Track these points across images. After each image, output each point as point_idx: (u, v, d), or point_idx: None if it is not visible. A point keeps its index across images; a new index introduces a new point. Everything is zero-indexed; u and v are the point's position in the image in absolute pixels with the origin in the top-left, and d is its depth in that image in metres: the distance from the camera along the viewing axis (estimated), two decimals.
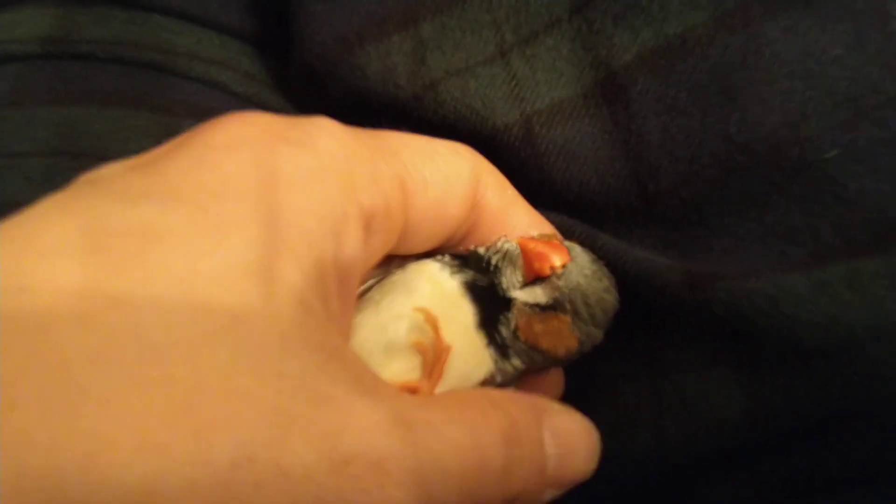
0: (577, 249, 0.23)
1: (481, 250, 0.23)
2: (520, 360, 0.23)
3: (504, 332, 0.23)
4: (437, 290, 0.22)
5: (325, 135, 0.20)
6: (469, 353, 0.22)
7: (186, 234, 0.16)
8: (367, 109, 0.28)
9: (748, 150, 0.22)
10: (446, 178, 0.22)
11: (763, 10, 0.22)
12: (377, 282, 0.23)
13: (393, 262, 0.24)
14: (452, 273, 0.23)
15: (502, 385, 0.23)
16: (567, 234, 0.25)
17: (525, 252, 0.23)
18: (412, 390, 0.21)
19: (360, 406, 0.17)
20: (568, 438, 0.21)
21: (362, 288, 0.23)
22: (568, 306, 0.23)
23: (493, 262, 0.23)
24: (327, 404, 0.16)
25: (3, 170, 0.28)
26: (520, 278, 0.23)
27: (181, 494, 0.14)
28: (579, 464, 0.21)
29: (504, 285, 0.23)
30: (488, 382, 0.23)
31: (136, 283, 0.15)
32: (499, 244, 0.23)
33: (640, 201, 0.24)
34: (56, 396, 0.14)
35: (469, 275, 0.23)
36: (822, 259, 0.21)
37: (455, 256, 0.23)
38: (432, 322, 0.22)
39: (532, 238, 0.23)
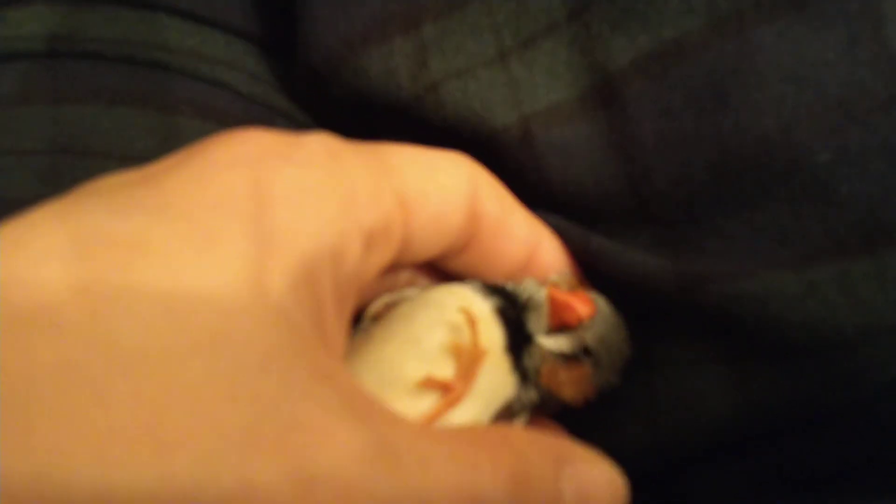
0: (600, 301, 0.24)
1: (509, 286, 0.24)
2: (537, 394, 0.23)
3: (527, 362, 0.23)
4: (469, 312, 0.23)
5: (324, 152, 0.20)
6: (498, 371, 0.23)
7: (174, 247, 0.16)
8: (369, 110, 0.28)
9: (740, 153, 0.23)
10: (445, 190, 0.22)
11: (757, 16, 0.23)
12: (392, 301, 0.24)
13: (400, 277, 0.25)
14: (485, 297, 0.23)
15: (520, 412, 0.24)
16: (563, 235, 0.25)
17: (552, 302, 0.23)
18: (446, 388, 0.21)
19: (339, 429, 0.16)
20: (591, 490, 0.19)
21: (375, 306, 0.24)
22: (591, 357, 0.23)
23: (522, 299, 0.24)
24: (302, 427, 0.16)
25: (8, 167, 0.28)
26: (545, 324, 0.23)
27: None
28: None
29: (529, 327, 0.23)
30: (510, 406, 0.23)
31: (116, 294, 0.15)
32: (527, 285, 0.24)
33: (634, 202, 0.24)
34: (14, 407, 0.14)
35: (500, 301, 0.23)
36: (812, 260, 0.22)
37: (485, 285, 0.24)
38: (473, 323, 0.22)
39: (558, 288, 0.24)
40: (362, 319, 0.24)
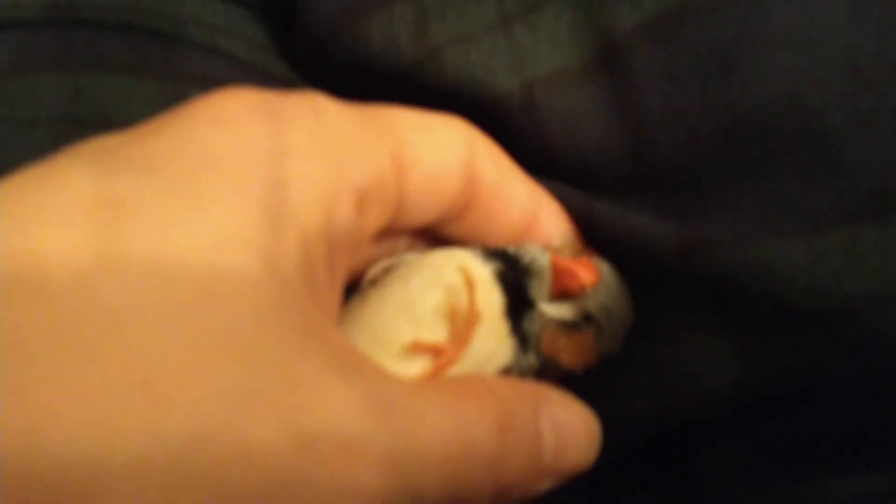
0: (604, 267, 0.24)
1: (511, 250, 0.23)
2: (536, 360, 0.23)
3: (527, 327, 0.23)
4: (468, 273, 0.22)
5: (315, 110, 0.19)
6: (494, 335, 0.22)
7: (161, 206, 0.16)
8: (370, 77, 0.28)
9: (748, 119, 0.22)
10: (441, 151, 0.22)
11: None
12: (390, 265, 0.23)
13: (399, 243, 0.25)
14: (485, 261, 0.23)
15: (519, 377, 0.23)
16: (564, 200, 0.25)
17: (556, 269, 0.23)
18: (437, 352, 0.21)
19: (333, 386, 0.16)
20: (567, 429, 0.20)
21: (373, 271, 0.23)
22: (593, 325, 0.23)
23: (523, 264, 0.23)
24: (297, 384, 0.16)
25: (7, 137, 0.28)
26: (547, 291, 0.23)
27: (131, 472, 0.14)
28: (578, 454, 0.21)
29: (531, 292, 0.23)
30: (509, 371, 0.23)
31: (102, 254, 0.15)
32: (529, 250, 0.24)
33: (639, 169, 0.24)
34: (3, 369, 0.14)
35: (500, 266, 0.23)
36: (820, 228, 0.21)
37: (485, 250, 0.23)
38: (470, 285, 0.22)
39: (561, 254, 0.23)
40: (360, 284, 0.23)
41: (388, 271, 0.23)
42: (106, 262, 0.15)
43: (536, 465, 0.20)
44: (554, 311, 0.23)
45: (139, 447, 0.14)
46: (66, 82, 0.29)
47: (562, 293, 0.23)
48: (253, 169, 0.17)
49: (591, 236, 0.25)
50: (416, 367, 0.21)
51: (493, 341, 0.22)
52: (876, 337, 0.21)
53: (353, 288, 0.23)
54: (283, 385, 0.15)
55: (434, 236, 0.24)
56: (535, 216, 0.24)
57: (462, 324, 0.22)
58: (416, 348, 0.21)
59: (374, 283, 0.23)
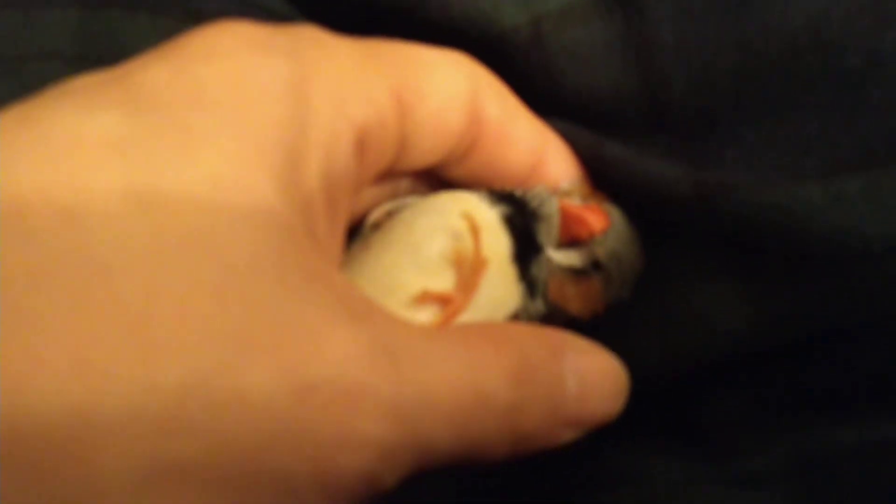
0: (614, 212, 0.23)
1: (518, 193, 0.23)
2: (543, 306, 0.23)
3: (535, 272, 0.22)
4: (472, 219, 0.22)
5: (310, 43, 0.19)
6: (502, 281, 0.22)
7: (150, 145, 0.15)
8: (373, 12, 0.27)
9: (766, 56, 0.22)
10: (444, 88, 0.21)
11: None
12: (393, 209, 0.23)
13: (401, 185, 0.24)
14: (491, 205, 0.22)
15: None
16: (573, 141, 0.24)
17: (564, 215, 0.22)
18: (445, 301, 0.21)
19: (336, 332, 0.15)
20: (591, 377, 0.20)
21: (375, 214, 0.23)
22: (602, 272, 0.23)
23: (531, 207, 0.22)
24: (297, 330, 0.15)
25: (21, 71, 0.27)
26: (555, 237, 0.22)
27: (123, 420, 0.13)
28: (603, 404, 0.20)
29: (539, 238, 0.22)
30: (516, 317, 0.22)
31: (88, 197, 0.14)
32: (537, 192, 0.23)
33: (651, 109, 0.23)
34: None
35: (507, 209, 0.22)
36: (839, 170, 0.21)
37: (492, 193, 0.23)
38: (475, 231, 0.21)
39: (570, 197, 0.23)
40: (362, 228, 0.23)
41: (390, 215, 0.23)
42: (93, 203, 0.14)
43: (557, 415, 0.19)
44: (562, 257, 0.23)
45: (131, 396, 0.13)
46: (82, 18, 0.28)
47: (570, 239, 0.23)
48: (248, 107, 0.17)
49: (601, 178, 0.24)
50: (423, 316, 0.21)
51: (501, 288, 0.22)
52: (894, 282, 0.20)
53: (355, 231, 0.23)
54: (282, 330, 0.15)
55: (438, 178, 0.24)
56: (542, 157, 0.23)
57: (468, 271, 0.21)
58: (423, 298, 0.21)
59: (377, 226, 0.23)
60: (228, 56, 0.17)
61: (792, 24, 0.21)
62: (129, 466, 0.13)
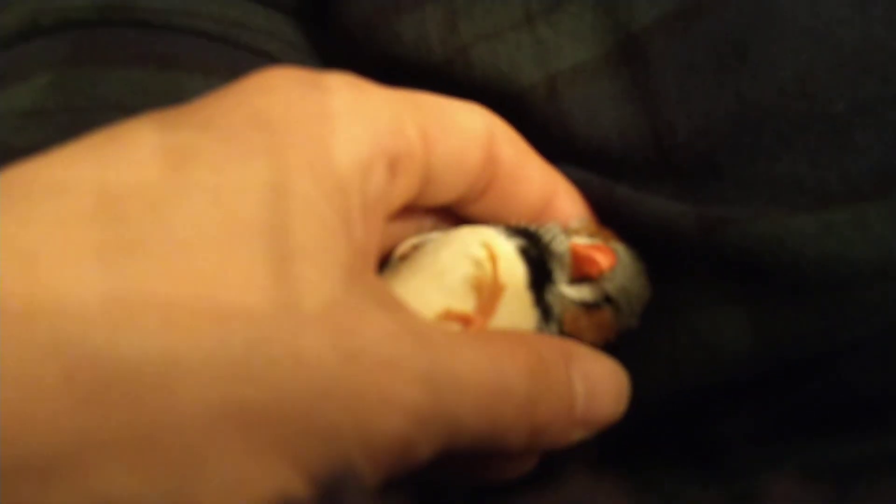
0: (620, 249, 0.25)
1: (532, 228, 0.25)
2: (557, 330, 0.24)
3: (549, 299, 0.24)
4: (491, 248, 0.24)
5: (349, 84, 0.21)
6: (518, 306, 0.24)
7: (218, 154, 0.18)
8: (401, 74, 0.29)
9: (760, 105, 0.24)
10: (464, 129, 0.23)
11: None
12: (419, 242, 0.25)
13: (425, 223, 0.26)
14: (508, 238, 0.24)
15: None
16: (585, 185, 0.26)
17: (575, 254, 0.24)
18: (466, 321, 0.23)
19: (376, 315, 0.18)
20: (597, 380, 0.22)
21: (402, 247, 0.25)
22: (612, 304, 0.25)
23: (544, 241, 0.25)
24: (341, 309, 0.17)
25: (66, 125, 0.30)
26: (568, 273, 0.24)
27: (200, 367, 0.16)
28: (608, 406, 0.22)
29: (553, 273, 0.24)
30: None
31: (172, 189, 0.17)
32: (550, 228, 0.25)
33: (657, 154, 0.25)
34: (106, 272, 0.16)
35: (523, 242, 0.24)
36: (827, 204, 0.22)
37: (508, 227, 0.25)
38: (494, 259, 0.23)
39: (579, 234, 0.25)
40: (390, 259, 0.25)
41: (416, 248, 0.25)
42: (173, 194, 0.17)
43: (568, 413, 0.21)
44: (575, 293, 0.24)
45: (207, 347, 0.16)
46: (118, 75, 0.31)
47: (581, 276, 0.24)
48: (296, 127, 0.19)
49: (612, 218, 0.26)
50: None
51: (517, 312, 0.24)
52: (885, 304, 0.22)
53: (384, 264, 0.25)
54: (330, 308, 0.17)
55: (457, 217, 0.26)
56: (553, 197, 0.25)
57: (487, 295, 0.23)
58: (447, 316, 0.22)
59: (405, 258, 0.25)
60: (280, 89, 0.20)
61: (781, 76, 0.23)
62: (205, 404, 0.16)
